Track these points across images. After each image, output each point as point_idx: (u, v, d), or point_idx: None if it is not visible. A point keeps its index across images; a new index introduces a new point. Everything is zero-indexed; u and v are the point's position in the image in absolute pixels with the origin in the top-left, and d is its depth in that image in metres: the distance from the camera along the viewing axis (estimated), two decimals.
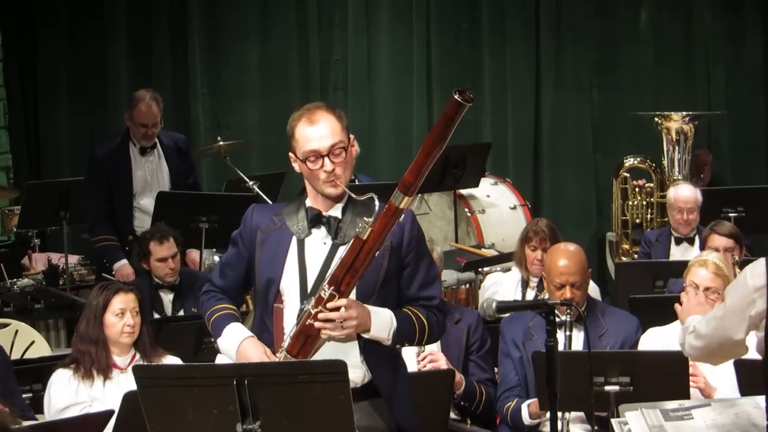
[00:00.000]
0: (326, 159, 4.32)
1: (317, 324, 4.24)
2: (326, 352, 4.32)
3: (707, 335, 4.16)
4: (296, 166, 4.43)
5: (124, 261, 8.15)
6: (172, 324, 6.66)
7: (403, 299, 4.45)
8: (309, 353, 4.29)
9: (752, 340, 4.21)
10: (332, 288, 4.22)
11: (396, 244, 4.36)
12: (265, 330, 4.44)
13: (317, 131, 4.34)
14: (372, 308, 4.32)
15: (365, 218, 4.20)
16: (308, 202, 4.47)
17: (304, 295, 4.35)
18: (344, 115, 4.46)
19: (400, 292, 4.45)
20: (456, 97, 4.06)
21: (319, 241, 4.41)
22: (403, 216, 4.26)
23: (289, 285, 4.40)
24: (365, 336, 4.33)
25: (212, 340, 4.63)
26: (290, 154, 4.44)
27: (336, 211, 4.43)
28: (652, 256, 8.67)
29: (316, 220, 4.42)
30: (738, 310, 4.07)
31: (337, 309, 4.22)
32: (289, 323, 4.37)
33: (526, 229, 7.42)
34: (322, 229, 4.42)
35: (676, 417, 4.27)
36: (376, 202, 4.22)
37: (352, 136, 4.48)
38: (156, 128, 8.29)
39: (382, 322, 4.33)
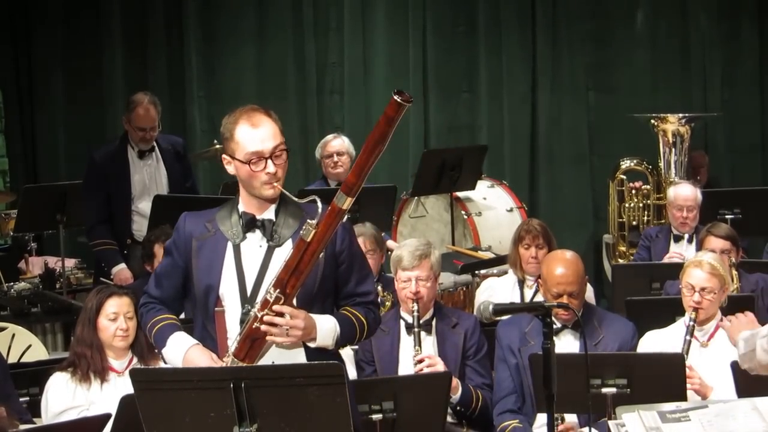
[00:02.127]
0: (269, 161, 4.36)
1: (263, 327, 4.27)
2: (273, 355, 4.37)
3: None
4: (230, 168, 4.45)
5: (123, 265, 8.15)
6: None
7: (340, 295, 4.52)
8: (255, 357, 4.33)
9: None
10: (278, 291, 4.25)
11: (330, 251, 4.39)
12: (208, 336, 4.46)
13: (260, 133, 4.39)
14: (317, 318, 4.37)
15: (309, 221, 4.23)
16: (241, 207, 4.50)
17: (245, 300, 4.38)
18: (278, 119, 4.49)
19: (337, 288, 4.50)
20: (395, 97, 4.10)
21: (255, 245, 4.45)
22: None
23: (229, 290, 4.42)
24: (311, 345, 4.37)
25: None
26: (224, 156, 4.46)
27: (269, 214, 4.47)
28: (651, 250, 8.67)
29: (250, 224, 4.45)
30: None
31: (282, 314, 4.25)
32: (232, 327, 4.40)
33: (518, 229, 7.43)
34: (257, 233, 4.45)
35: (673, 419, 4.27)
36: (319, 204, 4.23)
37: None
38: (154, 132, 8.28)
39: (327, 330, 4.39)
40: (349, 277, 4.50)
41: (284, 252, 4.33)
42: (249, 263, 4.42)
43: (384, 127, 4.17)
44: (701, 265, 5.92)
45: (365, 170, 4.21)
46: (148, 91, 8.58)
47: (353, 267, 4.50)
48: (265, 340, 4.29)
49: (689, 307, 5.89)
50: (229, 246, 4.45)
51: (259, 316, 4.26)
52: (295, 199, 4.37)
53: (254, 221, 4.45)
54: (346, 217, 4.34)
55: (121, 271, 8.12)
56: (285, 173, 4.44)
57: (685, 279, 5.94)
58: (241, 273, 4.41)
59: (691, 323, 5.84)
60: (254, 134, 4.38)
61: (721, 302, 5.93)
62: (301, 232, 4.24)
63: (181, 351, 4.43)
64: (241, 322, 4.34)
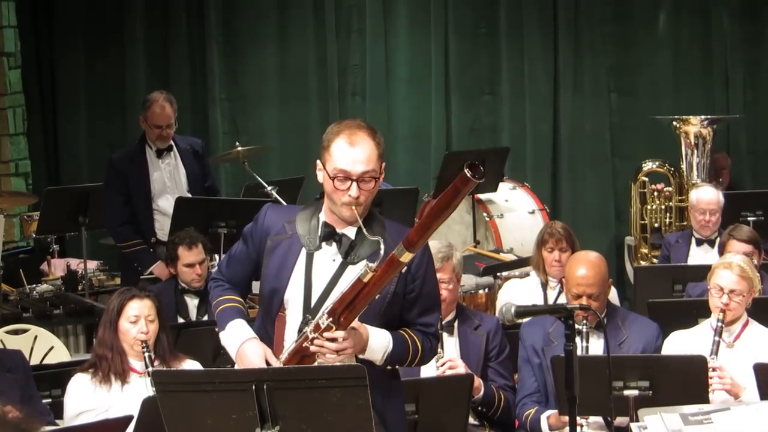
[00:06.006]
0: (354, 184, 4.28)
1: (313, 348, 4.24)
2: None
3: None
4: (320, 175, 4.37)
5: (159, 261, 8.13)
6: (191, 329, 6.67)
7: (402, 321, 4.44)
8: None
9: None
10: (330, 320, 4.20)
11: (404, 271, 4.31)
12: (266, 335, 4.44)
13: (354, 154, 4.29)
14: (372, 331, 4.32)
15: (368, 264, 4.16)
16: (323, 216, 4.43)
17: (308, 309, 4.34)
18: (383, 142, 4.41)
19: (401, 314, 4.44)
20: (467, 171, 4.10)
21: (328, 258, 4.39)
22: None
23: (293, 297, 4.38)
24: (359, 356, 4.32)
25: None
26: (318, 161, 4.38)
27: (350, 231, 4.39)
28: (671, 258, 8.65)
29: (328, 236, 4.38)
30: None
31: (334, 339, 4.22)
32: (290, 333, 4.37)
33: (541, 232, 7.41)
34: (333, 246, 4.38)
35: (696, 421, 4.27)
36: (382, 247, 4.15)
37: (383, 164, 4.43)
38: (170, 129, 8.29)
39: (379, 345, 4.33)
40: (413, 307, 4.42)
41: (357, 270, 4.24)
42: (319, 274, 4.36)
43: (451, 197, 4.16)
44: (731, 266, 5.87)
45: (428, 232, 4.15)
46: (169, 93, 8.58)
47: (420, 298, 4.42)
48: (314, 358, 4.26)
49: (716, 309, 5.84)
50: (303, 253, 4.39)
51: (310, 337, 4.23)
52: (365, 233, 4.24)
53: (333, 234, 4.38)
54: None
55: (159, 266, 8.09)
56: (371, 199, 4.36)
57: (714, 280, 5.88)
58: (309, 282, 4.36)
59: (719, 325, 5.79)
60: (348, 152, 4.28)
61: (747, 304, 5.90)
62: (360, 272, 4.17)
63: (238, 341, 4.40)
64: (299, 330, 4.31)
